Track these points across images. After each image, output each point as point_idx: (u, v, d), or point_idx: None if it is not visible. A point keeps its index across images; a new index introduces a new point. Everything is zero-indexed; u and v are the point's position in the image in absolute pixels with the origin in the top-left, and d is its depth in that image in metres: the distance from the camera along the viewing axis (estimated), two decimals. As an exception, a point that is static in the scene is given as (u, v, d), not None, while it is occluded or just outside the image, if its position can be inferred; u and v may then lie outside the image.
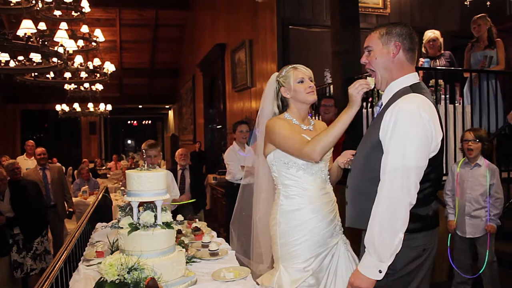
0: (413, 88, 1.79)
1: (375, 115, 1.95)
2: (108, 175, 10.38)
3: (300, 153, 2.14)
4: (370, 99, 4.65)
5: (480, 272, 3.48)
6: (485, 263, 3.46)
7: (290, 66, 2.37)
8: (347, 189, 1.96)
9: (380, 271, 1.68)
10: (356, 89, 1.94)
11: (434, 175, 1.78)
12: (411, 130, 1.67)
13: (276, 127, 2.22)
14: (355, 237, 2.78)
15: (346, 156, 2.24)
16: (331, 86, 5.07)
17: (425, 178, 1.73)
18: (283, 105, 2.39)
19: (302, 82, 2.30)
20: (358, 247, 2.19)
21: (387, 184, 1.68)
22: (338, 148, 2.86)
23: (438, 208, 1.88)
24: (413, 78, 1.85)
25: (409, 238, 1.71)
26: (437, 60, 5.15)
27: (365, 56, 1.90)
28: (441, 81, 4.61)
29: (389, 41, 1.82)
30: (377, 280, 1.70)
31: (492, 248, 3.51)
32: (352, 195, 1.92)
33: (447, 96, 4.59)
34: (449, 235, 3.67)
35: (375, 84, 1.93)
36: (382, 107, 1.85)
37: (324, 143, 2.04)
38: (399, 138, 1.68)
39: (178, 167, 5.73)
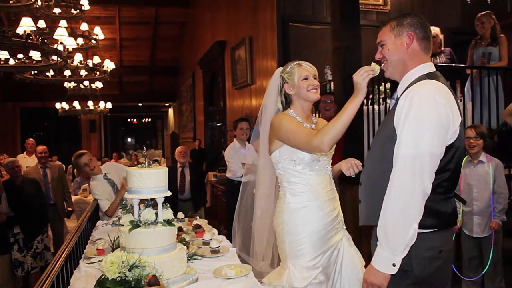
0: (429, 76, 1.73)
1: (390, 108, 1.90)
2: None
3: (309, 146, 2.11)
4: (371, 96, 4.64)
5: (484, 272, 3.42)
6: (489, 262, 3.39)
7: (295, 63, 2.35)
8: (360, 186, 1.89)
9: (394, 265, 1.61)
10: (361, 76, 1.89)
11: (453, 164, 1.70)
12: (426, 115, 1.61)
13: (282, 123, 2.22)
14: (358, 236, 2.79)
15: (350, 163, 2.23)
16: (332, 83, 5.06)
17: (444, 168, 1.65)
18: (286, 102, 2.38)
19: (306, 79, 2.29)
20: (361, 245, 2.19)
21: (399, 171, 1.62)
22: (339, 147, 2.85)
23: (456, 206, 1.81)
24: (429, 67, 1.79)
25: (424, 237, 1.64)
26: (437, 57, 5.13)
27: (379, 52, 1.85)
28: (441, 78, 4.59)
29: (401, 33, 1.78)
30: (396, 281, 1.63)
31: (498, 247, 3.44)
32: (366, 192, 1.84)
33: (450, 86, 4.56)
34: (453, 236, 3.60)
35: (382, 73, 1.90)
36: (397, 98, 1.79)
37: (332, 133, 2.00)
38: (412, 123, 1.61)
39: (178, 165, 5.74)
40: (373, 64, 1.91)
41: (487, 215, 3.47)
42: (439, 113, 1.62)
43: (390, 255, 1.61)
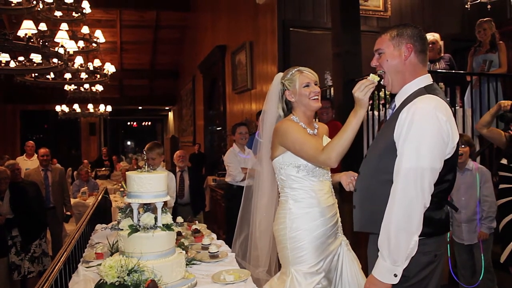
0: (428, 90, 1.75)
1: (387, 117, 1.91)
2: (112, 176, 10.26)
3: (316, 160, 2.13)
4: (371, 101, 4.64)
5: (480, 279, 3.44)
6: (482, 271, 3.42)
7: (295, 69, 2.33)
8: (355, 192, 1.91)
9: (395, 275, 1.64)
10: (362, 92, 1.89)
11: (450, 176, 1.75)
12: (427, 131, 1.64)
13: (289, 131, 2.19)
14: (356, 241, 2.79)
15: (350, 177, 2.23)
16: (332, 88, 5.07)
17: (442, 179, 1.70)
18: (288, 108, 2.37)
19: (307, 86, 2.28)
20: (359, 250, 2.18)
21: (402, 186, 1.64)
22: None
23: (449, 212, 1.85)
24: (427, 79, 1.81)
25: (421, 243, 1.67)
26: (437, 63, 5.15)
27: (375, 59, 1.86)
28: (441, 84, 4.61)
29: (401, 43, 1.79)
30: (393, 285, 1.66)
31: (488, 255, 3.47)
32: (361, 198, 1.86)
33: (448, 99, 4.57)
34: (448, 245, 3.61)
35: (383, 85, 1.91)
36: (396, 109, 1.81)
37: (338, 149, 2.02)
38: (414, 138, 1.64)
39: (177, 169, 5.73)
40: (371, 75, 1.90)
41: (475, 223, 3.49)
42: (440, 129, 1.66)
43: (391, 266, 1.65)
